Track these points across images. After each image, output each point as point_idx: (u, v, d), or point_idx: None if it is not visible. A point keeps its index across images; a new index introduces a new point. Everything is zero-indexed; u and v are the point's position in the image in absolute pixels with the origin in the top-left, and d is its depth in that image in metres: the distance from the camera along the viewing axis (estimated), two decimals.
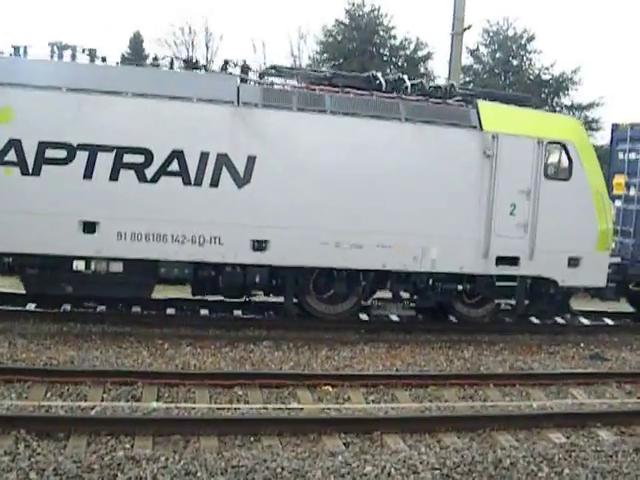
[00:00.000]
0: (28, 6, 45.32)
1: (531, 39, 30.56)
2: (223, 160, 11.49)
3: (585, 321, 15.13)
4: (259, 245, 11.69)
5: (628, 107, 41.08)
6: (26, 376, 8.87)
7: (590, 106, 29.54)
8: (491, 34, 31.14)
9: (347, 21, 31.71)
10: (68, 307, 12.78)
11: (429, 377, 10.19)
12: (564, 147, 12.84)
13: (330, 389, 9.47)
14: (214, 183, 11.48)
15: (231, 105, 11.55)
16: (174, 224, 11.38)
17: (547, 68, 30.26)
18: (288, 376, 9.66)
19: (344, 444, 7.69)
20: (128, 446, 7.15)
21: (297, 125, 11.80)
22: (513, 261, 12.69)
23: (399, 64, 31.20)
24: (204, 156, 11.43)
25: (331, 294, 12.82)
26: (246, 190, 11.56)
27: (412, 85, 12.74)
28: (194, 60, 12.96)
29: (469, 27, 18.70)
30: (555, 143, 12.83)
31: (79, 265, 11.42)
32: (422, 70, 30.97)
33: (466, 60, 27.64)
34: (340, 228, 11.95)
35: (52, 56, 11.60)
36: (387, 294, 13.19)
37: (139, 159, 11.25)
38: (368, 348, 11.86)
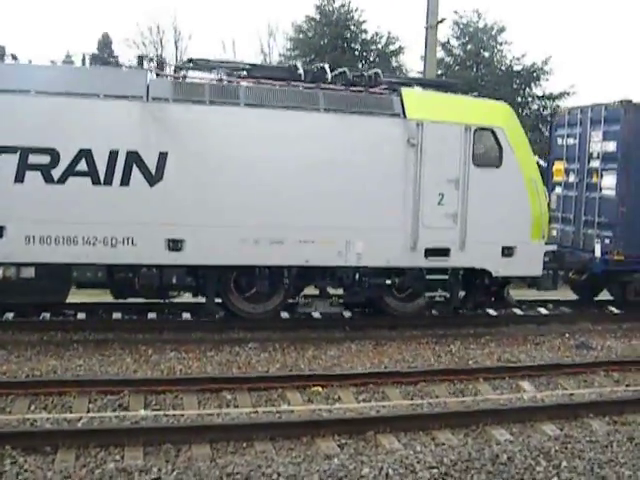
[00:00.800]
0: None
1: (502, 30, 30.53)
2: (133, 158, 11.13)
3: (567, 310, 15.19)
4: (174, 245, 11.35)
5: (599, 95, 41.39)
6: (8, 389, 8.63)
7: (561, 95, 29.59)
8: (461, 26, 31.11)
9: (317, 17, 31.51)
10: (47, 315, 12.49)
11: (418, 373, 10.12)
12: (493, 133, 12.65)
13: (320, 389, 9.35)
14: (125, 182, 11.13)
15: (140, 100, 11.21)
16: (84, 226, 10.99)
17: (518, 59, 30.23)
18: (276, 378, 9.53)
19: (338, 446, 7.59)
20: (118, 457, 6.98)
21: (209, 119, 11.46)
22: (443, 253, 12.44)
23: (370, 59, 31.09)
24: (113, 154, 11.05)
25: (254, 292, 12.52)
26: (158, 188, 11.22)
27: (336, 75, 12.55)
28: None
29: (443, 20, 18.67)
30: (483, 129, 12.61)
31: None
32: (394, 64, 30.87)
33: (438, 53, 27.59)
34: (258, 224, 11.58)
35: None
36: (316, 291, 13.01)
37: (45, 160, 10.88)
38: (355, 346, 11.77)
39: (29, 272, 11.18)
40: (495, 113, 13.14)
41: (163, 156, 11.20)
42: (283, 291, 12.57)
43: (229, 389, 9.03)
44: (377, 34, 31.71)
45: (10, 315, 12.48)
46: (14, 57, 11.49)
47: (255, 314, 12.62)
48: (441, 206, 12.28)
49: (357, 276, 12.43)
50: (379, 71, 13.07)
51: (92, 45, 30.49)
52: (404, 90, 12.47)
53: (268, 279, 12.29)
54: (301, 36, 32.18)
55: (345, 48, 30.80)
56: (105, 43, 32.00)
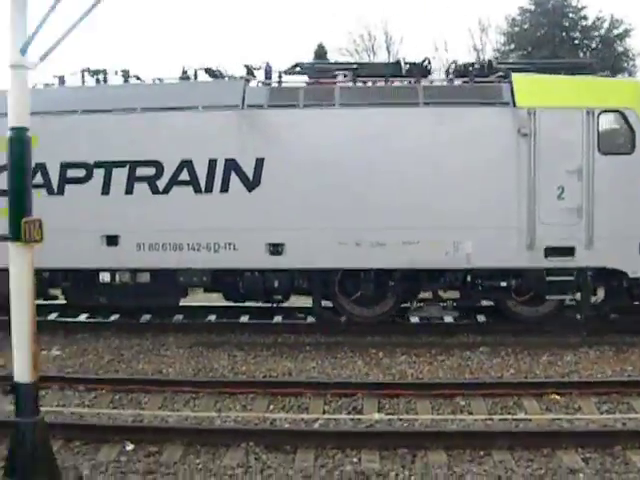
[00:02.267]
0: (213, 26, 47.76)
1: None
2: (231, 165, 11.50)
3: None
4: (275, 249, 11.50)
5: None
6: (248, 388, 9.05)
7: None
8: None
9: (532, 7, 30.32)
10: (280, 318, 13.07)
11: None
12: (622, 115, 11.21)
13: (558, 398, 8.80)
14: (224, 189, 11.54)
15: (236, 109, 11.59)
16: (188, 233, 11.56)
17: None
18: (511, 384, 9.13)
19: (583, 460, 7.03)
20: (355, 460, 7.01)
21: (304, 122, 11.46)
22: (567, 252, 11.20)
23: (592, 46, 29.31)
24: (212, 163, 11.52)
25: (361, 296, 12.07)
26: (257, 193, 11.49)
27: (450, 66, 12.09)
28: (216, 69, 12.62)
29: None
30: (610, 112, 11.24)
31: (105, 277, 11.98)
32: (620, 49, 28.86)
33: None
34: (359, 226, 11.30)
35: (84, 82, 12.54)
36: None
37: (151, 172, 11.61)
38: (593, 352, 10.99)
39: (145, 277, 12.01)
40: (624, 92, 11.81)
41: (260, 162, 11.45)
42: (393, 294, 12.19)
43: (462, 395, 8.79)
44: (599, 19, 29.81)
45: (245, 318, 13.16)
46: (138, 78, 12.56)
47: (368, 318, 12.32)
48: (561, 200, 11.24)
49: (469, 278, 11.80)
50: (492, 59, 12.22)
51: (309, 55, 31.73)
52: (515, 76, 11.64)
53: (373, 282, 11.97)
54: (516, 29, 31.14)
55: (564, 37, 29.32)
56: (320, 53, 33.16)
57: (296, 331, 12.30)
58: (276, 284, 11.95)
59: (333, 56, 33.42)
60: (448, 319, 12.80)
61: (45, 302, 12.93)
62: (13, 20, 5.46)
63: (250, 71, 12.44)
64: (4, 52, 5.44)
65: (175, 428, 7.68)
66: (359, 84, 12.00)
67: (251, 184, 11.54)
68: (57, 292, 13.08)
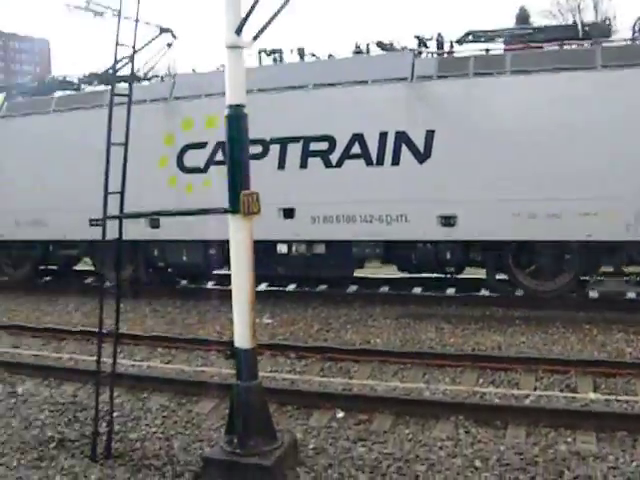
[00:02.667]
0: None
1: None
2: (402, 138, 11.62)
3: None
4: (446, 221, 11.49)
5: None
6: (456, 361, 8.99)
7: None
8: None
9: None
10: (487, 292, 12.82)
11: None
12: None
13: None
14: (395, 161, 11.68)
15: (405, 81, 11.63)
16: (361, 205, 11.83)
17: None
18: None
19: None
20: (570, 440, 6.71)
21: (474, 92, 11.23)
22: None
23: None
24: (383, 136, 11.71)
25: (535, 269, 11.51)
26: (427, 165, 11.53)
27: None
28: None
29: None
30: None
31: (282, 248, 12.59)
32: None
33: None
34: (533, 197, 10.84)
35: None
36: None
37: (324, 146, 12.04)
38: None
39: (320, 248, 12.47)
40: None
41: (430, 134, 11.47)
42: (572, 268, 11.44)
43: None
44: None
45: (452, 290, 13.06)
46: (313, 55, 13.05)
47: (543, 292, 11.73)
48: None
49: None
50: None
51: (510, 20, 30.53)
52: None
53: (550, 255, 11.41)
54: None
55: None
56: (523, 17, 31.70)
57: (505, 305, 11.98)
58: (448, 256, 12.04)
59: (536, 19, 31.74)
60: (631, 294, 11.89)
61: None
62: (228, 2, 5.74)
63: (422, 42, 12.43)
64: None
65: (384, 397, 7.81)
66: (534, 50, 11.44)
67: (422, 156, 11.64)
68: None
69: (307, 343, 10.38)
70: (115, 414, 6.88)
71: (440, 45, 12.26)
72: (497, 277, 12.39)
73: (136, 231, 12.61)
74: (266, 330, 11.19)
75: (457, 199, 11.40)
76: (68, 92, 15.36)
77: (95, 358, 6.70)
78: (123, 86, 14.09)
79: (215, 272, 14.24)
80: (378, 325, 11.32)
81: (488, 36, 12.27)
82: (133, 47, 6.36)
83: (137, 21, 6.29)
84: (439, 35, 12.25)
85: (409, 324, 11.25)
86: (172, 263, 14.16)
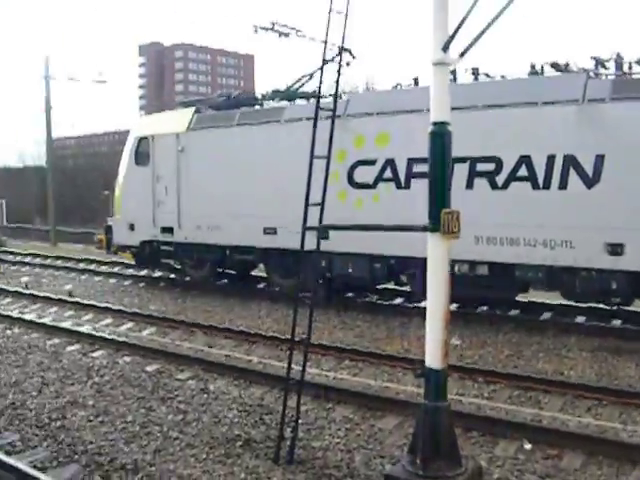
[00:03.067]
0: None
1: None
2: (570, 161, 11.32)
3: None
4: (613, 249, 10.98)
5: None
6: None
7: None
8: None
9: None
10: None
11: None
12: None
13: None
14: (562, 186, 11.41)
15: (576, 103, 11.32)
16: (525, 228, 11.71)
17: None
18: None
19: None
20: None
21: None
22: None
23: None
24: (550, 159, 11.47)
25: None
26: (596, 191, 11.11)
27: None
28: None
29: None
30: None
31: None
32: None
33: None
34: None
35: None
36: None
37: (490, 167, 12.02)
38: None
39: (483, 270, 12.40)
40: None
41: (600, 158, 11.03)
42: None
43: None
44: None
45: None
46: (487, 75, 12.91)
47: None
48: None
49: None
50: None
51: None
52: None
53: None
54: None
55: None
56: None
57: None
58: (614, 286, 11.32)
59: None
60: None
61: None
62: (436, 19, 5.71)
63: (599, 63, 11.82)
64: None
65: (576, 434, 7.34)
66: None
67: (590, 181, 11.19)
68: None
69: (496, 368, 10.02)
70: (300, 421, 7.02)
71: (619, 66, 11.71)
72: None
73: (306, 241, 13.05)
74: (454, 351, 10.95)
75: (626, 227, 10.89)
76: (250, 108, 16.38)
77: (284, 364, 6.89)
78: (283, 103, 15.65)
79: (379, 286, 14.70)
80: (572, 356, 10.70)
81: None
82: (339, 68, 6.47)
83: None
84: (618, 55, 11.72)
85: (606, 358, 10.53)
86: (337, 274, 14.36)
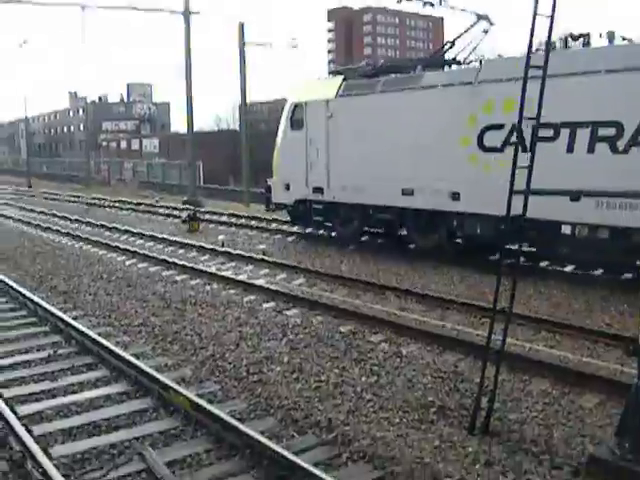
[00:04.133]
0: None
1: None
2: None
3: None
4: None
5: None
6: None
7: None
8: None
9: None
10: None
11: None
12: None
13: None
14: None
15: None
16: None
17: None
18: None
19: None
20: None
21: None
22: None
23: None
24: None
25: None
26: None
27: None
28: None
29: None
30: None
31: (566, 230, 12.99)
32: None
33: None
34: None
35: None
36: None
37: (611, 132, 12.15)
38: None
39: (604, 233, 12.50)
40: None
41: None
42: None
43: None
44: None
45: None
46: (624, 39, 13.02)
47: None
48: None
49: None
50: None
51: None
52: None
53: None
54: None
55: None
56: None
57: None
58: None
59: None
60: None
61: None
62: None
63: None
64: None
65: None
66: None
67: None
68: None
69: None
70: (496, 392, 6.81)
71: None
72: None
73: (438, 202, 15.04)
74: None
75: None
76: (394, 75, 16.98)
77: (478, 332, 6.69)
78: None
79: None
80: None
81: None
82: (550, 24, 6.03)
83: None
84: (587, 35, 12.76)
85: None
86: (467, 235, 15.25)
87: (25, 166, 59.39)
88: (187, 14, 31.62)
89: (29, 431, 6.53)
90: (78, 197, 38.48)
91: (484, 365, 6.50)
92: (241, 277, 14.19)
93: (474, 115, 14.18)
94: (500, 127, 13.73)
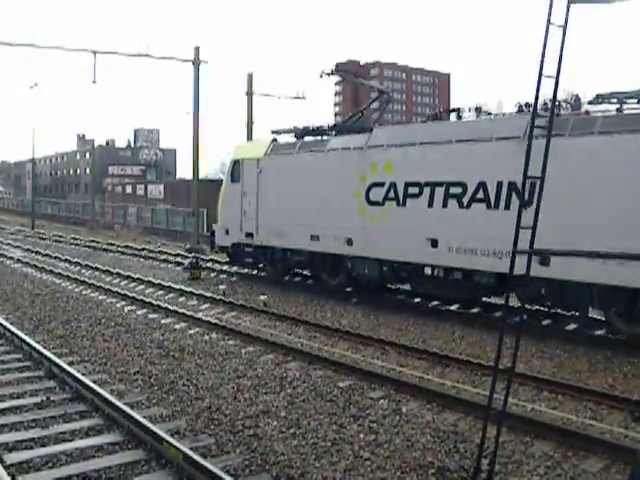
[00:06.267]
0: None
1: None
2: (512, 187, 13.66)
3: None
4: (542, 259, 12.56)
5: None
6: None
7: None
8: None
9: None
10: None
11: None
12: None
13: None
14: (507, 206, 13.82)
15: (518, 139, 13.40)
16: (482, 241, 14.15)
17: None
18: None
19: None
20: None
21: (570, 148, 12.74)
22: None
23: None
24: (499, 184, 14.01)
25: None
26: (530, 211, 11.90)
27: None
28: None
29: None
30: None
31: (427, 271, 15.83)
32: None
33: None
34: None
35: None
36: None
37: (459, 190, 14.82)
38: None
39: (458, 274, 15.15)
40: None
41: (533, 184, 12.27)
42: None
43: None
44: None
45: None
46: (488, 113, 15.99)
47: None
48: None
49: None
50: None
51: None
52: None
53: None
54: None
55: None
56: None
57: None
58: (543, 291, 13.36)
59: None
60: None
61: None
62: None
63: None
64: None
65: None
66: None
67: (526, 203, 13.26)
68: None
69: None
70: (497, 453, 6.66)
71: (576, 107, 13.93)
72: None
73: (337, 247, 17.90)
74: None
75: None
76: (312, 138, 20.20)
77: (479, 390, 6.57)
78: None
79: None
80: None
81: (616, 98, 12.98)
82: (555, 85, 6.07)
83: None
84: (576, 97, 14.08)
85: None
86: (359, 275, 17.87)
87: (30, 207, 59.61)
88: (197, 63, 32.12)
89: None
90: (81, 240, 38.55)
91: (485, 426, 6.37)
92: (240, 328, 14.08)
93: (364, 174, 17.19)
94: (382, 185, 16.70)
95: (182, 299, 17.97)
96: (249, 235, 21.12)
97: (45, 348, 11.44)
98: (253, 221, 20.89)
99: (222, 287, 19.14)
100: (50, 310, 15.84)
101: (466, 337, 13.63)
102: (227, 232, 22.20)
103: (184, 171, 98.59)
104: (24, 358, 11.29)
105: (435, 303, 16.83)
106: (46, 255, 29.09)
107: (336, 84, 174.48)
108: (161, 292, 19.16)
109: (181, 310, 15.73)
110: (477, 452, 6.55)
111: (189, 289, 19.04)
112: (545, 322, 14.37)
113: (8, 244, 35.29)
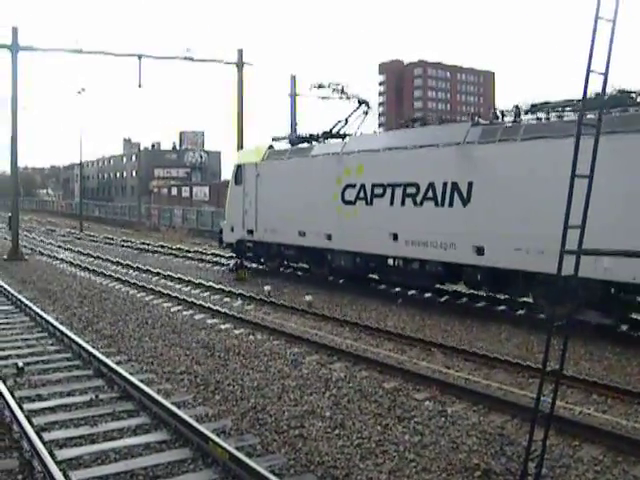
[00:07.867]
0: None
1: None
2: (454, 187, 15.84)
3: None
4: (479, 250, 15.27)
5: None
6: None
7: None
8: None
9: None
10: None
11: None
12: None
13: None
14: (450, 203, 15.97)
15: (459, 145, 15.85)
16: (432, 234, 16.32)
17: None
18: None
19: None
20: None
21: (502, 153, 14.96)
22: None
23: None
24: (445, 184, 16.08)
25: None
26: (468, 208, 15.60)
27: None
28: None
29: None
30: None
31: (390, 261, 18.31)
32: None
33: None
34: (544, 232, 13.10)
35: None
36: None
37: (414, 190, 16.98)
38: None
39: (415, 264, 17.33)
40: None
41: (470, 184, 15.54)
42: None
43: None
44: None
45: None
46: (449, 120, 18.85)
47: None
48: None
49: None
50: None
51: None
52: None
53: None
54: None
55: None
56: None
57: None
58: (479, 277, 15.72)
59: None
60: None
61: None
62: None
63: (501, 113, 16.05)
64: None
65: None
66: None
67: (465, 201, 15.72)
68: None
69: None
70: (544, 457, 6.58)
71: (517, 115, 15.24)
72: None
73: (319, 241, 20.08)
74: None
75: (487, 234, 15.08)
76: (303, 144, 22.60)
77: (526, 392, 6.49)
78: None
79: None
80: None
81: (546, 107, 14.55)
82: (586, 83, 5.96)
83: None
84: (517, 107, 15.22)
85: None
86: (337, 266, 20.22)
87: (78, 209, 60.76)
88: (240, 65, 32.35)
89: (66, 477, 6.53)
90: (128, 242, 39.16)
91: (532, 429, 6.29)
92: (285, 328, 14.16)
93: (340, 177, 19.54)
94: (354, 186, 18.98)
95: (227, 299, 18.15)
96: (250, 232, 23.57)
97: (94, 347, 11.67)
98: (253, 219, 23.38)
99: (267, 288, 19.27)
100: (98, 310, 16.14)
101: (512, 338, 13.48)
102: (232, 230, 24.60)
103: (229, 173, 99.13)
104: (73, 357, 11.53)
105: (481, 304, 16.74)
106: (93, 257, 29.64)
107: (380, 84, 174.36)
108: (207, 293, 19.38)
109: (226, 310, 15.90)
110: (524, 455, 6.48)
111: (234, 290, 19.25)
112: (594, 324, 14.15)
113: (59, 246, 36.04)
